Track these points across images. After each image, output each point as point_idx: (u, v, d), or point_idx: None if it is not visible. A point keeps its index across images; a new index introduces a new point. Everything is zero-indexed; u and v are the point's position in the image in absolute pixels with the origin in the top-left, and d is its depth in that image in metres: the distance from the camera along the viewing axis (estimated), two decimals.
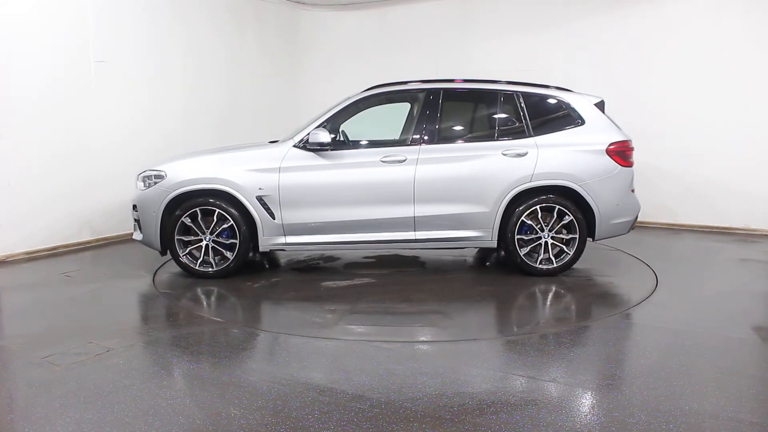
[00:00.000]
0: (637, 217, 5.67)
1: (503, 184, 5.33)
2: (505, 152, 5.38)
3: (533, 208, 5.37)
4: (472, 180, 5.35)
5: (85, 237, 6.91)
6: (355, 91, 5.93)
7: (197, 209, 5.36)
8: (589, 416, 2.96)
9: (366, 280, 5.55)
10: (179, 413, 2.94)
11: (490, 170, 5.35)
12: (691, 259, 6.49)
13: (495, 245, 5.45)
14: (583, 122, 5.48)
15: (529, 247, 5.44)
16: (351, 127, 5.99)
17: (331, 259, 6.44)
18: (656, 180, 7.90)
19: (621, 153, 5.43)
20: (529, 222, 5.40)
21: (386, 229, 5.42)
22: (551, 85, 5.81)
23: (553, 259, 5.46)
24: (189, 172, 5.41)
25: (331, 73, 9.96)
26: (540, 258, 5.46)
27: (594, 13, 8.28)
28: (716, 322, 4.34)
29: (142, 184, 5.56)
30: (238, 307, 4.81)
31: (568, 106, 5.53)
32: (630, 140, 5.52)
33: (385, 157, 5.39)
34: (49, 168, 6.47)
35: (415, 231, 5.42)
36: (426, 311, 4.63)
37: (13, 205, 6.17)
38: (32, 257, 6.24)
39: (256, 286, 5.34)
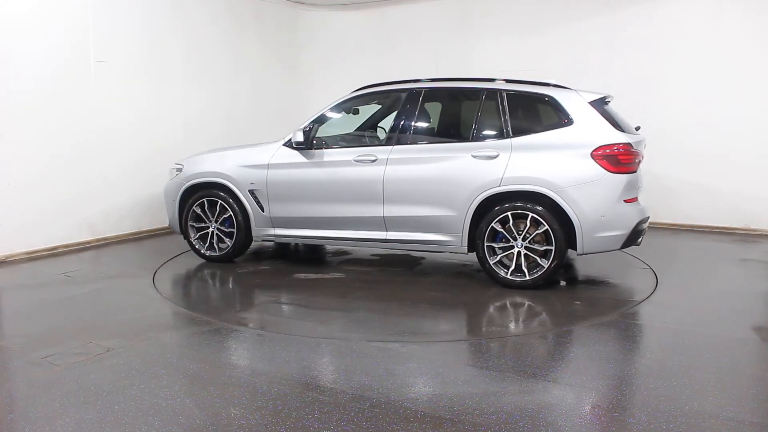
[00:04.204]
0: (637, 231, 4.98)
1: (470, 188, 5.02)
2: (475, 154, 5.07)
3: (504, 214, 4.96)
4: (438, 182, 5.14)
5: (85, 237, 6.90)
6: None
7: (204, 200, 5.93)
8: (589, 416, 2.96)
9: (338, 275, 5.69)
10: (179, 413, 2.94)
11: (458, 173, 5.08)
12: (691, 259, 6.48)
13: (466, 251, 5.17)
14: (570, 122, 4.96)
15: (498, 257, 5.04)
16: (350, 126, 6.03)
17: (341, 253, 6.57)
18: (655, 180, 7.89)
19: (611, 157, 4.80)
20: (500, 229, 5.00)
21: (360, 227, 5.50)
22: (546, 82, 5.34)
23: (525, 271, 4.96)
24: (198, 166, 6.04)
25: (332, 73, 9.94)
26: (511, 269, 5.01)
27: (594, 13, 8.27)
28: (716, 322, 4.34)
29: (170, 174, 6.25)
30: (210, 292, 5.27)
31: (555, 104, 5.05)
32: (629, 144, 4.87)
33: (358, 156, 5.44)
34: (50, 168, 6.46)
35: (386, 231, 5.41)
36: (337, 308, 4.71)
37: (13, 205, 6.15)
38: (32, 257, 6.24)
39: (240, 272, 5.79)
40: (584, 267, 5.84)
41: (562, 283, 5.35)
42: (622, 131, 5.00)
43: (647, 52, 7.97)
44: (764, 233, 7.46)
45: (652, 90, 7.95)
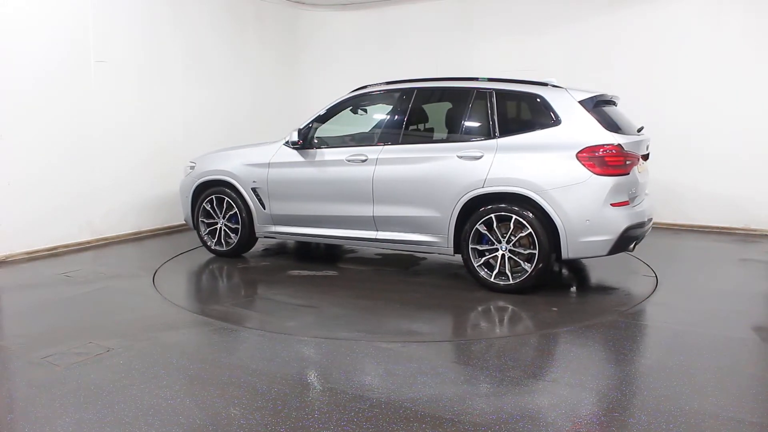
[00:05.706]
0: (626, 237, 4.72)
1: (455, 189, 4.96)
2: (460, 155, 5.00)
3: (488, 216, 4.85)
4: (424, 182, 5.11)
5: (85, 237, 6.90)
6: None
7: (213, 196, 6.18)
8: (589, 416, 2.96)
9: (330, 273, 5.76)
10: (179, 413, 2.94)
11: (442, 173, 5.03)
12: (691, 259, 6.48)
13: (452, 252, 5.12)
14: (558, 122, 4.80)
15: (483, 259, 4.94)
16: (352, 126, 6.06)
17: (347, 251, 6.65)
18: (655, 180, 7.88)
19: (597, 159, 4.61)
20: (485, 232, 4.89)
21: (352, 226, 5.57)
22: (537, 81, 5.16)
23: (509, 274, 4.85)
24: (208, 164, 6.29)
25: (332, 73, 9.94)
26: (495, 272, 4.89)
27: (594, 12, 8.27)
28: (716, 322, 4.34)
29: (184, 172, 6.52)
30: (209, 290, 5.42)
31: (544, 103, 4.89)
32: (619, 145, 4.66)
33: (350, 156, 5.50)
34: (50, 168, 6.46)
35: (377, 231, 5.45)
36: (312, 305, 4.74)
37: (13, 205, 6.15)
38: (32, 257, 6.24)
39: (240, 266, 5.97)
40: (583, 267, 5.84)
41: (572, 288, 5.34)
42: (619, 131, 4.84)
43: (647, 52, 7.96)
44: (764, 233, 7.46)
45: (652, 90, 7.95)
